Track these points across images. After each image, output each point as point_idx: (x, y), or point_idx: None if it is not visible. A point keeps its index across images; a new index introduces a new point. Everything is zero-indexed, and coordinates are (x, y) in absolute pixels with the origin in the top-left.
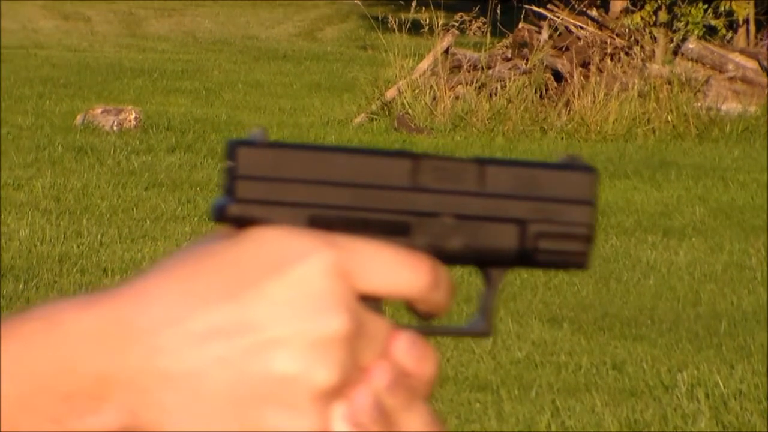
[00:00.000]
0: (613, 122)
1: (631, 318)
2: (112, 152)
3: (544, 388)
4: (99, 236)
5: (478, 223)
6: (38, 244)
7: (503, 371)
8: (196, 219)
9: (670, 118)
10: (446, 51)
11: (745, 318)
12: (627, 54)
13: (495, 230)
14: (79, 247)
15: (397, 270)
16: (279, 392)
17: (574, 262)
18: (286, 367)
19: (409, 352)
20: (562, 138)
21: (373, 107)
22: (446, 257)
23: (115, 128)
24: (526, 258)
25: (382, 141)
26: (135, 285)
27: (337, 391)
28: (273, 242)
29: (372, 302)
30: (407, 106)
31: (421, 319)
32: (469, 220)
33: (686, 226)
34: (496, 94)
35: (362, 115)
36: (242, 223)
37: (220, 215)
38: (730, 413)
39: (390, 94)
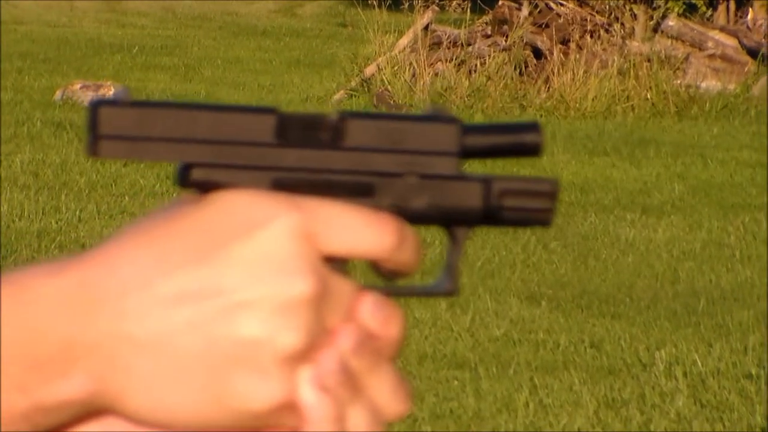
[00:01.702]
0: (593, 99)
1: (610, 296)
2: None
3: (522, 366)
4: (77, 212)
5: (442, 182)
6: (17, 219)
7: (481, 349)
8: (174, 195)
9: (649, 96)
10: (426, 27)
11: (723, 296)
12: (607, 31)
13: (459, 189)
14: (57, 222)
15: (362, 230)
16: (246, 356)
17: (539, 219)
18: (253, 331)
19: (374, 314)
20: (542, 115)
21: (353, 84)
22: (411, 217)
23: None
24: (490, 216)
25: None
26: (102, 250)
27: (303, 354)
28: (239, 205)
29: (338, 263)
30: (386, 83)
31: (386, 280)
32: (434, 180)
33: (665, 203)
34: (475, 71)
35: (341, 91)
36: (206, 187)
37: (182, 180)
38: (708, 391)
39: (369, 70)
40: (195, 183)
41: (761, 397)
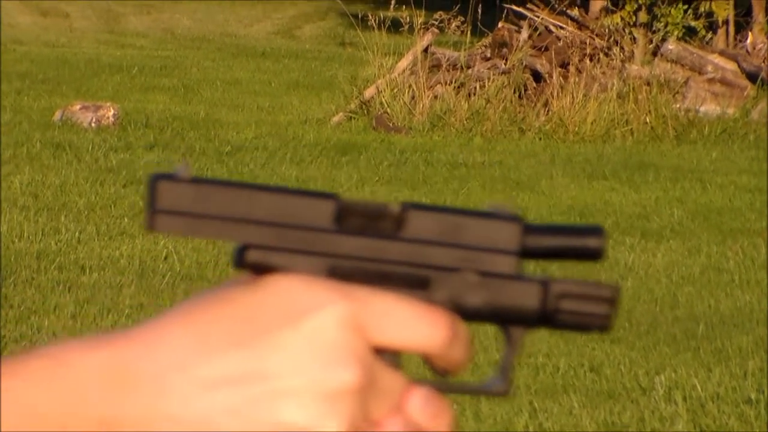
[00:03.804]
0: (592, 123)
1: None
2: (90, 149)
3: (521, 390)
4: (77, 233)
5: (499, 281)
6: (16, 240)
7: (481, 372)
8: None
9: (648, 120)
10: (425, 50)
11: (722, 321)
12: (606, 54)
13: (517, 288)
14: (56, 243)
15: (414, 324)
16: None
17: (597, 324)
18: (295, 418)
19: (423, 409)
20: (540, 138)
21: (352, 106)
22: (465, 313)
23: (93, 125)
24: (547, 318)
25: (361, 140)
26: (145, 329)
27: None
28: (288, 291)
29: (389, 356)
30: (386, 105)
31: (437, 375)
32: (491, 277)
33: (664, 228)
34: (474, 94)
35: (341, 113)
36: (260, 269)
37: (238, 260)
38: (708, 416)
39: (369, 92)
40: (250, 264)
41: (761, 421)
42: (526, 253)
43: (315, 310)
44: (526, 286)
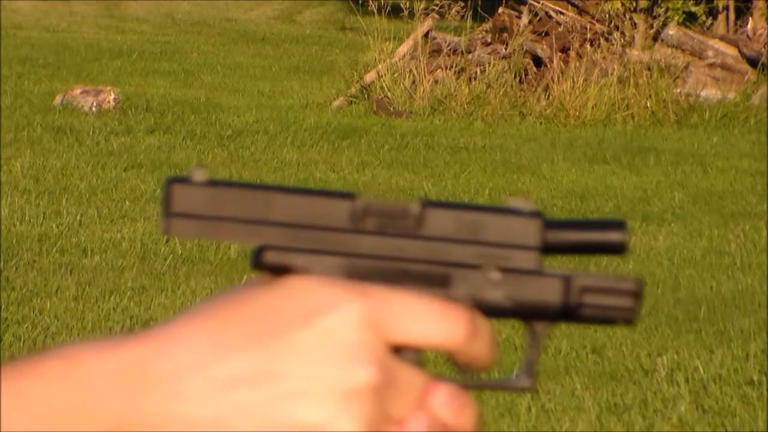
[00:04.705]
0: (592, 108)
1: None
2: (91, 133)
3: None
4: (78, 216)
5: (521, 277)
6: (17, 223)
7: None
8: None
9: (649, 104)
10: (426, 35)
11: (724, 303)
12: (607, 40)
13: (539, 284)
14: (58, 227)
15: (432, 321)
16: None
17: (621, 317)
18: (311, 418)
19: (447, 405)
20: (541, 123)
21: (352, 90)
22: (487, 310)
23: (94, 109)
24: (570, 313)
25: (362, 124)
26: (159, 330)
27: None
28: (304, 292)
29: (410, 353)
30: (386, 90)
31: (461, 371)
32: (512, 273)
33: (665, 211)
34: (475, 79)
35: (341, 98)
36: (278, 270)
37: (256, 261)
38: (710, 397)
39: (369, 77)
40: (268, 266)
41: (763, 402)
42: (548, 249)
43: (330, 309)
44: (548, 281)
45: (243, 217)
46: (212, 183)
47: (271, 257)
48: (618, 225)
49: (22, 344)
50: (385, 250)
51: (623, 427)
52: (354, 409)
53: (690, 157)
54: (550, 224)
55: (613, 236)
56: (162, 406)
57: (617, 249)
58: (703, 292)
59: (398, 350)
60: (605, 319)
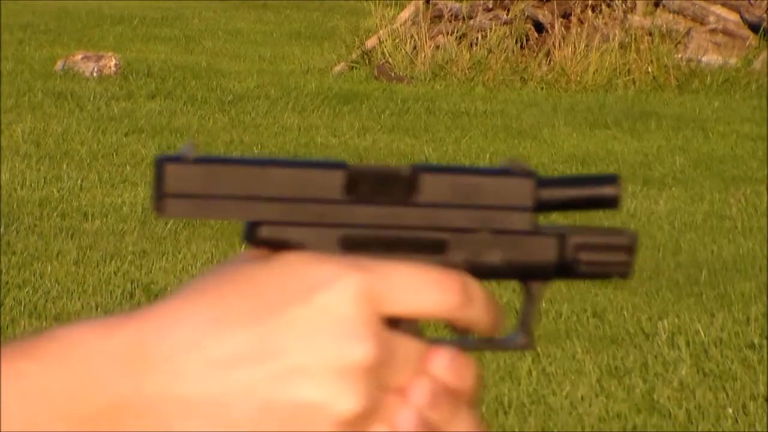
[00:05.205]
0: (594, 73)
1: None
2: (92, 98)
3: None
4: (79, 181)
5: (516, 238)
6: (18, 188)
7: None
8: None
9: (650, 70)
10: (427, 1)
11: (725, 267)
12: (608, 5)
13: (534, 244)
14: (59, 191)
15: (425, 291)
16: (302, 420)
17: (616, 272)
18: (310, 395)
19: (448, 368)
20: (542, 88)
21: (353, 56)
22: (484, 272)
23: (95, 74)
24: (566, 270)
25: (363, 89)
26: (156, 308)
27: (365, 418)
28: (300, 267)
29: (407, 324)
30: (387, 55)
31: (459, 334)
32: (508, 235)
33: (666, 176)
34: (476, 44)
35: (342, 63)
36: (273, 245)
37: (250, 237)
38: (711, 361)
39: (370, 43)
40: (263, 241)
41: (764, 366)
42: (542, 207)
43: (327, 284)
44: (543, 240)
45: (236, 193)
46: (203, 160)
47: (265, 232)
48: (611, 179)
49: (22, 308)
50: (379, 218)
51: (624, 391)
52: (354, 386)
53: (691, 122)
54: (543, 182)
55: (607, 191)
56: (161, 387)
57: (611, 203)
58: (704, 256)
59: (396, 322)
60: (601, 274)
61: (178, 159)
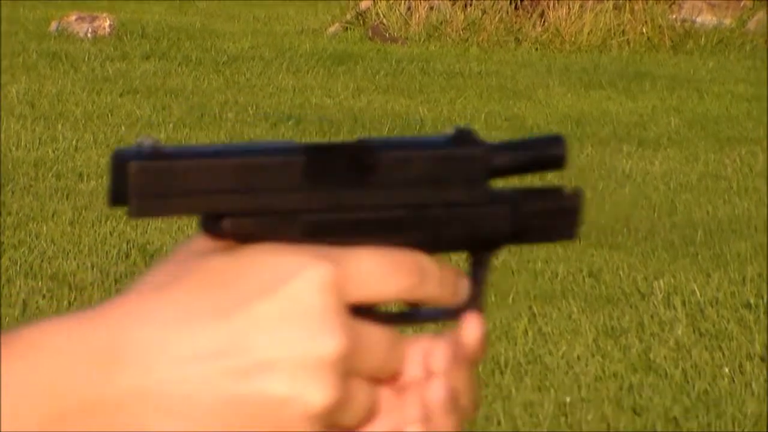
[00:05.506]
0: (588, 33)
1: (607, 226)
2: (86, 59)
3: (521, 295)
4: (74, 141)
5: (470, 210)
6: (13, 149)
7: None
8: (171, 125)
9: (644, 30)
10: None
11: (720, 227)
12: None
13: (488, 215)
14: (54, 152)
15: (381, 275)
16: (272, 415)
17: (564, 234)
18: (279, 390)
19: (475, 335)
20: (537, 48)
21: (348, 17)
22: (441, 247)
23: (89, 35)
24: (517, 237)
25: (357, 50)
26: (122, 303)
27: (334, 411)
28: (264, 259)
29: (369, 310)
30: (382, 16)
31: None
32: (462, 208)
33: (661, 136)
34: (470, 5)
35: (336, 24)
36: (237, 237)
37: (212, 229)
38: (707, 320)
39: (364, 4)
40: (224, 233)
41: (760, 326)
42: (493, 174)
43: (291, 276)
44: (497, 211)
45: (198, 188)
46: (160, 155)
47: (227, 225)
48: (556, 140)
49: (18, 268)
50: (337, 202)
51: (620, 351)
52: (322, 380)
53: (686, 82)
54: (492, 148)
55: (553, 151)
56: (130, 384)
57: (557, 163)
58: (700, 216)
59: (359, 309)
60: (549, 238)
61: (136, 155)
